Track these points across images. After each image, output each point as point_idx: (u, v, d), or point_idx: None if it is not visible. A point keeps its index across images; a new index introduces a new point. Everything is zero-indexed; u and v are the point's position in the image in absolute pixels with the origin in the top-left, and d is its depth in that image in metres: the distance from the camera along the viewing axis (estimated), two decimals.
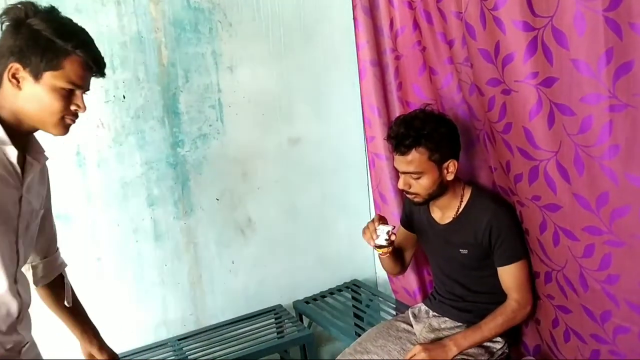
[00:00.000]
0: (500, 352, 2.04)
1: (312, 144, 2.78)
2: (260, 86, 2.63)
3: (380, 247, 2.06)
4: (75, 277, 2.37)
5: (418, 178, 1.96)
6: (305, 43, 2.69)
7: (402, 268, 2.31)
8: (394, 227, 2.04)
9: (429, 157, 1.92)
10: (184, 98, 2.49)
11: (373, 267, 3.02)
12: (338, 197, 2.88)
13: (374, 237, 2.04)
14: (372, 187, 2.68)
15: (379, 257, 2.21)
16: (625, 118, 1.46)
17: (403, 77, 2.40)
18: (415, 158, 1.92)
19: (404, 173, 1.99)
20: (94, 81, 2.26)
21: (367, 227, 2.07)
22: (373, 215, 2.81)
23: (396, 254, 2.23)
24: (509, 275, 2.00)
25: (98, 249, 2.43)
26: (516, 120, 1.76)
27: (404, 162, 1.95)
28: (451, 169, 1.96)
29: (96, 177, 2.38)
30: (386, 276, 2.81)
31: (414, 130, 1.91)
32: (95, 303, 2.44)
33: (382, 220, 2.05)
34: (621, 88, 1.45)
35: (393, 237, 2.04)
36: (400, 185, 2.02)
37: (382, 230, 2.02)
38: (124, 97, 2.38)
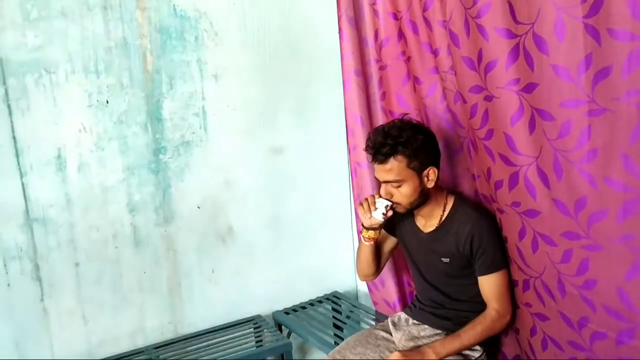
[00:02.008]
0: None
1: (296, 154, 2.79)
2: (245, 95, 2.64)
3: (371, 228, 2.07)
4: (52, 282, 2.37)
5: (399, 186, 1.97)
6: (291, 53, 2.71)
7: (377, 270, 2.29)
8: (392, 203, 2.02)
9: (407, 165, 1.93)
10: (168, 105, 2.49)
11: (354, 279, 3.01)
12: (320, 207, 2.88)
13: (372, 208, 2.03)
14: (354, 197, 2.68)
15: (359, 248, 2.22)
16: (603, 122, 1.49)
17: (387, 87, 2.42)
18: (394, 166, 1.94)
19: (384, 182, 2.00)
20: (77, 85, 2.29)
21: (364, 200, 2.07)
22: (354, 226, 2.82)
23: (376, 250, 2.23)
24: (489, 284, 2.00)
25: (76, 254, 2.40)
26: (498, 126, 1.78)
27: (383, 171, 1.97)
28: (431, 176, 1.97)
29: (76, 181, 2.36)
30: (367, 289, 2.81)
31: (392, 139, 1.92)
32: (71, 308, 2.42)
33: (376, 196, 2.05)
34: (600, 93, 1.48)
35: (390, 213, 2.03)
36: (383, 194, 2.02)
37: (381, 203, 2.01)
38: (108, 102, 2.38)
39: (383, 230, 2.27)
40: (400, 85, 2.34)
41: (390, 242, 2.30)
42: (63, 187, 2.34)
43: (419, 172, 1.95)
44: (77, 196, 2.37)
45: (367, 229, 2.12)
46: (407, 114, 2.08)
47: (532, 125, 1.67)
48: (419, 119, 2.28)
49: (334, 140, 2.83)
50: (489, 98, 1.79)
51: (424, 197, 2.01)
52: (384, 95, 2.45)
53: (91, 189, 2.39)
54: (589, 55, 1.48)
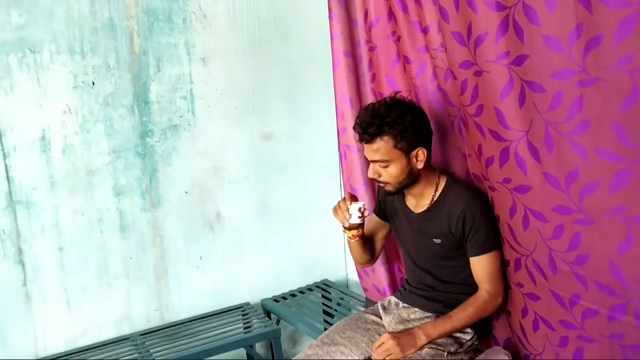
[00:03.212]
0: (469, 343, 2.01)
1: (285, 139, 2.76)
2: (233, 79, 2.61)
3: (352, 228, 2.05)
4: (36, 267, 2.32)
5: (386, 166, 1.93)
6: (280, 38, 2.67)
7: (372, 258, 2.27)
8: (364, 203, 2.02)
9: (394, 146, 1.89)
10: (155, 87, 2.46)
11: (344, 267, 2.98)
12: (310, 195, 2.85)
13: (347, 216, 2.01)
14: (343, 180, 2.65)
15: (348, 242, 2.18)
16: (595, 92, 1.46)
17: (377, 69, 2.39)
18: (381, 146, 1.90)
19: (372, 161, 1.96)
20: (62, 66, 2.25)
21: (338, 206, 2.04)
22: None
23: (365, 240, 2.19)
24: (481, 265, 1.97)
25: (60, 238, 2.36)
26: (487, 101, 1.75)
27: (370, 151, 1.94)
28: (420, 157, 1.94)
29: (61, 163, 2.32)
30: (357, 276, 2.77)
31: (379, 119, 1.89)
32: (55, 294, 2.38)
33: (353, 198, 2.03)
34: (591, 62, 1.45)
35: (366, 213, 2.02)
36: (370, 174, 1.99)
37: (354, 208, 2.00)
38: (93, 83, 2.34)
39: (375, 217, 2.24)
40: (390, 67, 2.31)
41: (383, 229, 2.27)
42: (47, 169, 2.30)
43: (407, 152, 1.91)
44: (61, 179, 2.33)
45: (348, 229, 2.09)
46: (398, 92, 2.04)
47: (522, 99, 1.64)
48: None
49: (324, 126, 2.80)
50: (478, 73, 1.76)
51: (413, 178, 1.97)
52: (373, 77, 2.42)
53: (76, 171, 2.35)
54: (580, 24, 1.45)
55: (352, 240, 2.15)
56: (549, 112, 1.57)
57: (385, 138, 1.89)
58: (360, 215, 2.00)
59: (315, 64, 2.75)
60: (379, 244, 2.28)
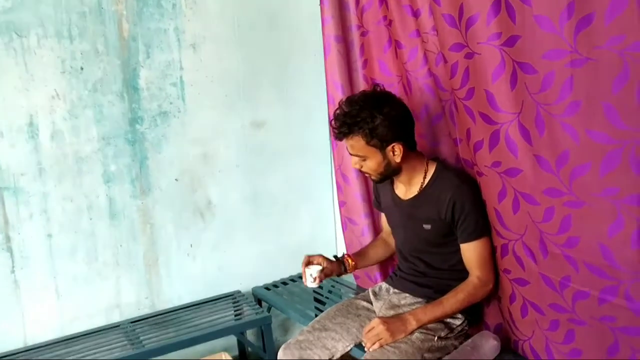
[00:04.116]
0: (460, 329, 2.00)
1: (276, 128, 2.74)
2: (224, 66, 2.59)
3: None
4: (24, 254, 2.30)
5: (364, 160, 1.97)
6: (271, 25, 2.66)
7: (386, 254, 2.34)
8: (322, 267, 2.10)
9: (366, 143, 1.91)
10: (145, 74, 2.44)
11: None
12: (301, 183, 2.84)
13: (304, 280, 2.12)
14: (335, 168, 2.63)
15: None
16: (585, 72, 1.45)
17: (369, 54, 2.37)
18: (354, 143, 1.93)
19: (351, 154, 2.00)
20: (49, 50, 2.23)
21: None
22: (336, 201, 2.77)
23: (364, 257, 2.29)
24: (471, 252, 1.97)
25: (49, 225, 2.34)
26: (478, 84, 1.74)
27: (348, 145, 1.97)
28: (397, 152, 1.93)
29: (49, 149, 2.30)
30: None
31: (350, 117, 1.90)
32: (44, 282, 2.36)
33: (310, 262, 2.13)
34: (582, 42, 1.44)
35: (317, 282, 2.10)
36: (352, 164, 2.04)
37: (308, 272, 2.10)
38: (82, 68, 2.32)
39: (383, 215, 2.27)
40: (382, 52, 2.30)
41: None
42: (35, 155, 2.28)
43: (381, 148, 1.92)
44: (49, 165, 2.31)
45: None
46: (378, 84, 2.02)
47: (513, 80, 1.63)
48: (401, 86, 2.25)
49: (315, 114, 2.79)
50: (469, 55, 1.74)
51: (392, 170, 1.99)
52: (365, 63, 2.39)
53: (65, 158, 2.33)
54: (571, 3, 1.44)
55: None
56: (540, 94, 1.56)
57: (356, 138, 1.91)
58: (312, 280, 2.09)
59: (306, 51, 2.73)
60: (390, 239, 2.30)
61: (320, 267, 2.11)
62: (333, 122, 1.95)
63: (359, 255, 2.28)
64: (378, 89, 1.98)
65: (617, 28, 1.37)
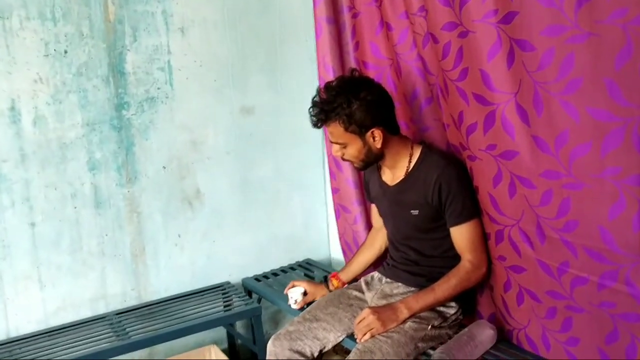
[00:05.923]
0: (454, 318, 1.96)
1: (267, 114, 2.67)
2: (213, 51, 2.52)
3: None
4: (6, 243, 2.23)
5: (344, 147, 1.93)
6: (262, 8, 2.59)
7: (380, 248, 2.29)
8: (303, 290, 2.24)
9: (345, 130, 1.87)
10: (131, 58, 2.37)
11: (327, 247, 2.91)
12: (293, 172, 2.78)
13: (289, 301, 2.25)
14: (327, 154, 2.58)
15: None
16: (587, 48, 1.40)
17: (360, 36, 2.31)
18: (332, 130, 1.91)
19: (331, 142, 1.96)
20: (32, 33, 2.15)
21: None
22: (328, 190, 2.71)
23: (366, 252, 2.30)
24: (461, 235, 1.92)
25: (32, 213, 2.27)
26: (473, 63, 1.68)
27: (328, 133, 1.94)
28: (377, 137, 1.89)
29: (32, 135, 2.23)
30: (341, 256, 2.71)
31: (326, 104, 1.87)
32: (27, 272, 2.29)
33: (295, 284, 2.27)
34: (583, 16, 1.39)
35: (303, 300, 2.22)
36: (334, 153, 2.00)
37: (291, 294, 2.24)
38: (66, 52, 2.25)
39: (374, 207, 2.21)
40: (374, 34, 2.23)
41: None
42: (17, 141, 2.21)
43: (361, 134, 1.88)
44: (32, 151, 2.23)
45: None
46: (355, 69, 1.98)
47: (510, 59, 1.58)
48: (392, 70, 2.19)
49: (306, 100, 2.68)
50: (463, 34, 1.69)
51: (374, 155, 1.96)
52: (357, 46, 2.33)
53: (48, 144, 2.26)
54: None
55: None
56: (538, 72, 1.51)
57: (333, 125, 1.88)
58: (294, 302, 2.22)
59: (297, 35, 2.67)
60: (380, 234, 2.27)
61: (302, 290, 2.22)
62: (311, 109, 1.91)
63: (350, 266, 2.29)
64: (356, 74, 1.95)
65: (620, 1, 1.32)
